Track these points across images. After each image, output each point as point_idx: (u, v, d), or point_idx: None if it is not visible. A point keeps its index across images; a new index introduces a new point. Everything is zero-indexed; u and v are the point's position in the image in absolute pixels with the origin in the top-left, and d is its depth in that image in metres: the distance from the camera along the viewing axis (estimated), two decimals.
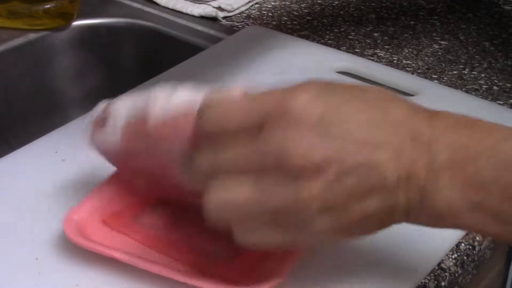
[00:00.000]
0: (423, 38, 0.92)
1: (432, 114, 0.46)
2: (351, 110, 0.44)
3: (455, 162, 0.43)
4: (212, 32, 0.91)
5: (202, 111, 0.46)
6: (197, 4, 0.95)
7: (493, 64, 0.87)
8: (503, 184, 0.43)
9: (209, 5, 0.94)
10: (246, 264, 0.52)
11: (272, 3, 0.98)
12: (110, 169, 0.57)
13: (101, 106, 0.54)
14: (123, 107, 0.53)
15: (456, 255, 0.57)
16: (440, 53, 0.88)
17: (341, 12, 0.97)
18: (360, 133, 0.43)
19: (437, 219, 0.45)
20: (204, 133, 0.46)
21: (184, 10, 0.95)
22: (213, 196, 0.45)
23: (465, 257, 0.58)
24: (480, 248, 0.60)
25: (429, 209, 0.44)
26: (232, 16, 0.94)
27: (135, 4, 0.97)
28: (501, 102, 0.79)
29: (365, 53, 0.87)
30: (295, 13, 0.96)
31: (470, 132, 0.45)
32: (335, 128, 0.43)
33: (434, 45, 0.90)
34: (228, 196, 0.44)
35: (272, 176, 0.43)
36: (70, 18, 0.91)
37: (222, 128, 0.45)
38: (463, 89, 0.81)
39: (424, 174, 0.43)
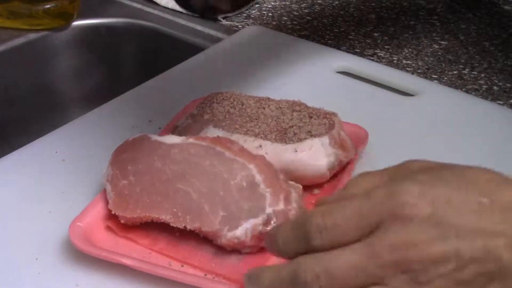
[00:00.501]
0: (423, 38, 0.92)
1: None
2: (459, 199, 0.43)
3: None
4: (212, 32, 0.91)
5: (310, 224, 0.43)
6: None
7: (493, 64, 0.86)
8: None
9: None
10: (252, 266, 0.52)
11: (272, 3, 0.98)
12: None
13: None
14: None
15: None
16: (440, 53, 0.88)
17: (341, 12, 0.97)
18: (472, 223, 0.42)
19: None
20: (312, 246, 0.43)
21: (184, 10, 0.95)
22: None
23: None
24: None
25: None
26: (232, 16, 0.94)
27: (135, 4, 0.97)
28: (501, 102, 0.79)
29: (365, 53, 0.87)
30: (295, 13, 0.96)
31: None
32: (447, 221, 0.42)
33: (434, 45, 0.90)
34: None
35: (390, 281, 0.42)
36: (70, 18, 0.91)
37: (335, 241, 0.43)
38: (463, 89, 0.81)
39: None
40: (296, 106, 0.63)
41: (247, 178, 0.53)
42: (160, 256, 0.53)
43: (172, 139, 0.57)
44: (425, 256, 0.41)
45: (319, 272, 0.42)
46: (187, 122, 0.63)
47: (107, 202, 0.55)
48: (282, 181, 0.54)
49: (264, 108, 0.63)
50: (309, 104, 0.64)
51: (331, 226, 0.42)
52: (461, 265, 0.42)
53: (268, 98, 0.65)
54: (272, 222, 0.51)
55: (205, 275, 0.52)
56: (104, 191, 0.56)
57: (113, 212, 0.54)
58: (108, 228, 0.55)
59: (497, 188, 0.44)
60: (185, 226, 0.52)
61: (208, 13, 0.52)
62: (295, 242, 0.44)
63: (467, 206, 0.43)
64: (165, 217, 0.52)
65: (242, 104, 0.64)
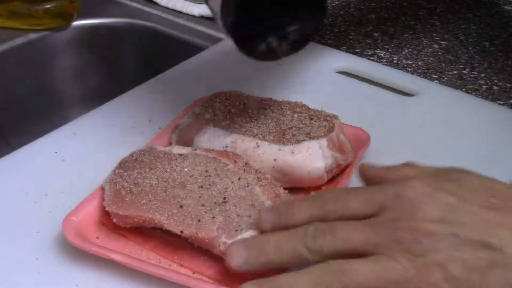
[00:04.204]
0: (423, 38, 0.92)
1: None
2: (470, 197, 0.45)
3: None
4: (212, 32, 0.91)
5: (323, 195, 0.48)
6: (197, 4, 0.95)
7: (493, 64, 0.87)
8: None
9: None
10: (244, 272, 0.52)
11: None
12: (110, 169, 0.57)
13: None
14: None
15: None
16: (440, 53, 0.88)
17: (341, 12, 0.97)
18: (479, 216, 0.44)
19: None
20: (322, 211, 0.47)
21: (184, 10, 0.95)
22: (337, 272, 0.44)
23: None
24: None
25: None
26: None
27: (135, 4, 0.97)
28: (501, 102, 0.79)
29: (365, 53, 0.87)
30: None
31: None
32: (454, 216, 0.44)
33: (434, 45, 0.90)
34: (349, 272, 0.44)
35: (387, 251, 0.44)
36: (70, 18, 0.91)
37: (342, 210, 0.47)
38: (463, 89, 0.81)
39: None
40: (297, 108, 0.63)
41: (248, 191, 0.53)
42: (151, 254, 0.53)
43: (178, 149, 0.57)
44: (422, 229, 0.43)
45: (325, 228, 0.46)
46: (188, 121, 0.63)
47: (103, 199, 0.55)
48: (283, 196, 0.54)
49: (265, 109, 0.63)
50: (309, 105, 0.64)
51: (342, 197, 0.47)
52: (460, 244, 0.43)
53: (270, 99, 0.65)
54: None
55: (193, 273, 0.52)
56: (102, 187, 0.56)
57: (106, 209, 0.54)
58: (102, 224, 0.55)
59: (507, 191, 0.45)
60: (181, 231, 0.51)
61: (270, 57, 0.57)
62: (310, 208, 0.48)
63: (478, 202, 0.44)
64: (160, 218, 0.52)
65: (244, 104, 0.64)
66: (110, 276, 0.52)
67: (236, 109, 0.63)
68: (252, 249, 0.47)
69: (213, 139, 0.60)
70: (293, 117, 0.62)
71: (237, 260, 0.47)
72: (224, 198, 0.52)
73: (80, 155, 0.64)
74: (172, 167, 0.55)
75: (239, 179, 0.54)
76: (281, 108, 0.63)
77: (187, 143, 0.61)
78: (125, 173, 0.56)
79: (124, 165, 0.57)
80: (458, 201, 0.44)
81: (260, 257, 0.47)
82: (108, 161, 0.58)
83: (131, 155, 0.58)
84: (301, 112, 0.62)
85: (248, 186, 0.54)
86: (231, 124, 0.61)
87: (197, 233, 0.51)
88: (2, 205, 0.58)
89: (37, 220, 0.56)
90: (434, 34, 0.93)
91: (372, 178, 0.51)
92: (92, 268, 0.52)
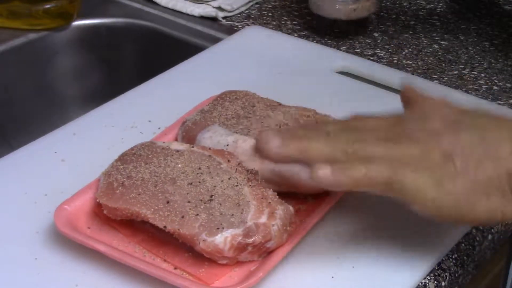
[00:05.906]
0: (423, 38, 0.92)
1: None
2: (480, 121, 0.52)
3: None
4: (212, 32, 0.91)
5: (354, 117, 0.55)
6: (197, 4, 0.95)
7: (493, 64, 0.86)
8: None
9: (209, 5, 0.94)
10: (228, 266, 0.53)
11: (272, 3, 0.98)
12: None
13: None
14: None
15: (456, 255, 0.57)
16: (440, 53, 0.88)
17: None
18: (478, 125, 0.51)
19: None
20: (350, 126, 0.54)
21: (184, 10, 0.95)
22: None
23: (465, 257, 0.58)
24: (480, 248, 0.60)
25: None
26: (232, 16, 0.94)
27: (135, 4, 0.97)
28: (501, 102, 0.79)
29: (365, 53, 0.87)
30: (295, 13, 0.96)
31: None
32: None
33: (434, 45, 0.90)
34: (364, 143, 0.51)
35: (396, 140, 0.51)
36: (70, 18, 0.91)
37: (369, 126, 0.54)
38: (463, 89, 0.81)
39: None
40: (306, 112, 0.63)
41: (236, 191, 0.54)
42: (137, 248, 0.54)
43: (176, 145, 0.58)
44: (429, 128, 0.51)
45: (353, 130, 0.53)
46: (195, 118, 0.63)
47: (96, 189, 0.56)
48: (271, 198, 0.54)
49: (272, 112, 0.63)
50: (308, 105, 0.64)
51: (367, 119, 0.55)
52: (459, 137, 0.50)
53: (279, 103, 0.64)
54: (252, 235, 0.51)
55: (175, 269, 0.52)
56: (97, 180, 0.56)
57: (97, 200, 0.54)
58: (96, 215, 0.55)
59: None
60: (164, 226, 0.52)
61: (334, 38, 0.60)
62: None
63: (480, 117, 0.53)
64: (145, 212, 0.52)
65: (253, 106, 0.64)
66: (110, 276, 0.52)
67: (243, 110, 0.63)
68: (285, 134, 0.51)
69: (215, 137, 0.60)
70: (299, 122, 0.61)
71: (272, 142, 0.50)
72: (211, 196, 0.53)
73: (80, 155, 0.64)
74: (166, 162, 0.56)
75: (229, 178, 0.54)
76: (288, 112, 0.62)
77: (192, 139, 0.61)
78: (121, 166, 0.56)
79: (123, 158, 0.57)
80: (464, 116, 0.52)
81: (293, 139, 0.51)
82: (107, 161, 0.58)
83: (132, 148, 0.58)
84: (309, 116, 0.62)
85: (237, 185, 0.54)
86: (236, 124, 0.61)
87: (179, 229, 0.51)
88: (2, 205, 0.58)
89: (37, 220, 0.56)
90: (434, 34, 0.93)
91: (408, 99, 0.57)
92: (92, 268, 0.52)
